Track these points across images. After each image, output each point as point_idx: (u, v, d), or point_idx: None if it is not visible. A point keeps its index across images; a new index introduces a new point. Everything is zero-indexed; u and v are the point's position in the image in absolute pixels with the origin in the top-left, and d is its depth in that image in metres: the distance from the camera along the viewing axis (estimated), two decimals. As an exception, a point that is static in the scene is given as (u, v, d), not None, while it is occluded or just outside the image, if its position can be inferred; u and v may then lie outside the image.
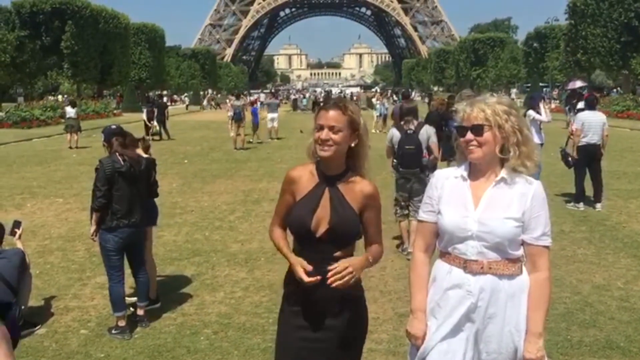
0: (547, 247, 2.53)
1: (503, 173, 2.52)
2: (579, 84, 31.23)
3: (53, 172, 15.09)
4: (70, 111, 21.50)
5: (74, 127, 21.09)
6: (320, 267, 2.58)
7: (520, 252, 2.53)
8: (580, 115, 10.47)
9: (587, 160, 10.03)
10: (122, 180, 4.98)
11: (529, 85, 59.46)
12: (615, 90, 47.70)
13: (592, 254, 7.32)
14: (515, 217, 2.47)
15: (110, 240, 4.93)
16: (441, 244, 2.61)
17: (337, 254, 2.62)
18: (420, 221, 2.69)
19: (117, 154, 5.06)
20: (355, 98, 53.81)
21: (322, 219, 2.59)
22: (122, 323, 5.05)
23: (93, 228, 5.03)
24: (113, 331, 5.05)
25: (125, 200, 4.98)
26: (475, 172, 2.57)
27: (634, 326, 5.10)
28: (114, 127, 5.39)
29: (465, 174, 2.58)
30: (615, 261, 7.03)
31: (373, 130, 25.88)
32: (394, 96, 44.50)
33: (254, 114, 22.38)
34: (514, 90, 67.93)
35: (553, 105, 39.64)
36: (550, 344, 4.73)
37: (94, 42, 50.30)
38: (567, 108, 29.85)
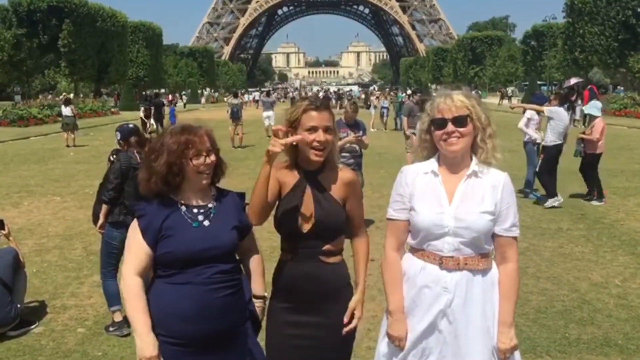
0: (515, 237, 2.54)
1: (473, 166, 2.51)
2: (573, 81, 31.43)
3: (50, 171, 15.07)
4: (65, 110, 21.48)
5: (70, 125, 21.06)
6: (310, 263, 2.59)
7: (491, 246, 2.54)
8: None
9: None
10: (135, 177, 4.98)
11: (527, 83, 59.53)
12: (618, 87, 47.80)
13: (590, 252, 7.33)
14: (490, 211, 2.47)
15: (116, 238, 4.92)
16: (414, 240, 2.58)
17: (326, 247, 2.62)
18: (390, 219, 2.63)
19: (134, 151, 5.07)
20: (360, 95, 53.86)
21: (307, 215, 2.58)
22: (118, 318, 5.05)
23: (101, 221, 5.03)
24: (110, 329, 5.05)
25: (134, 196, 4.97)
26: (445, 166, 2.55)
27: (632, 324, 5.10)
28: (131, 126, 5.40)
29: (435, 168, 2.55)
30: (613, 259, 7.04)
31: (372, 129, 25.92)
32: (392, 93, 44.55)
33: (171, 114, 22.66)
34: (510, 89, 68.01)
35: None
36: (548, 342, 4.74)
37: (91, 40, 50.29)
38: (565, 106, 29.90)
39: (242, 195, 2.73)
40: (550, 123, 9.92)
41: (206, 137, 2.56)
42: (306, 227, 2.58)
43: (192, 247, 2.46)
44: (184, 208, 2.55)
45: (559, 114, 9.94)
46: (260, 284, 2.79)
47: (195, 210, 2.55)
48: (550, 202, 9.79)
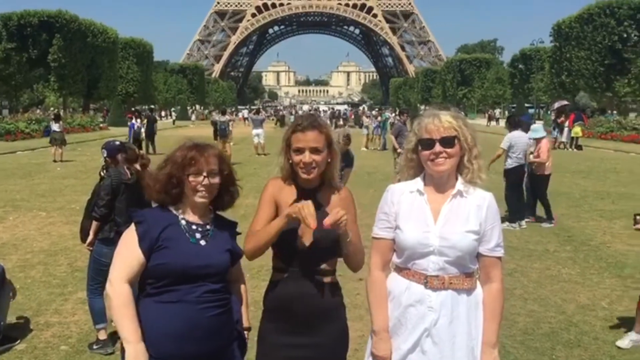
0: (500, 258, 2.54)
1: (459, 186, 2.52)
2: (557, 104, 32.04)
3: (37, 185, 14.94)
4: (54, 125, 21.39)
5: (58, 140, 20.96)
6: (305, 282, 2.57)
7: (476, 266, 2.53)
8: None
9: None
10: (126, 193, 4.95)
11: (514, 105, 60.09)
12: (608, 112, 48.57)
13: (577, 274, 7.35)
14: (474, 230, 2.47)
15: (106, 255, 4.82)
16: (399, 259, 2.57)
17: (323, 266, 2.61)
18: (376, 238, 2.61)
19: (124, 167, 5.04)
20: (349, 115, 54.00)
21: (304, 233, 2.56)
22: (103, 336, 4.98)
23: (91, 237, 4.96)
24: (94, 346, 4.97)
25: (126, 212, 4.92)
26: (431, 186, 2.56)
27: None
28: (117, 143, 5.36)
29: (421, 187, 2.55)
30: (599, 281, 7.06)
31: (363, 148, 26.03)
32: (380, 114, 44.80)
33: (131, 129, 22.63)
34: (497, 110, 68.60)
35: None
36: (536, 364, 4.73)
37: (81, 55, 50.18)
38: (552, 127, 30.32)
39: (235, 224, 2.73)
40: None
41: (215, 158, 2.55)
42: (304, 246, 2.57)
43: (188, 262, 2.44)
44: (184, 222, 2.54)
45: (511, 139, 10.14)
46: (245, 316, 2.76)
47: (194, 227, 2.55)
48: (505, 226, 9.57)
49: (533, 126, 10.98)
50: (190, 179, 2.50)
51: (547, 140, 10.68)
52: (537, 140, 10.32)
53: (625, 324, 5.41)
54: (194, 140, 2.62)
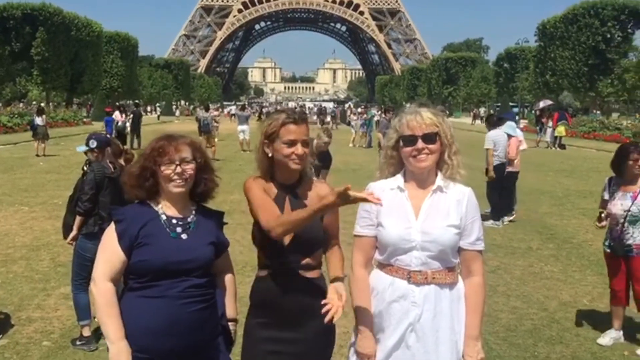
0: (480, 251, 2.58)
1: (438, 181, 2.55)
2: (542, 104, 32.33)
3: (19, 180, 14.78)
4: (37, 119, 21.16)
5: (41, 134, 20.73)
6: (290, 277, 2.58)
7: (457, 260, 2.56)
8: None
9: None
10: (110, 187, 4.91)
11: (499, 104, 60.54)
12: (593, 112, 49.22)
13: (559, 271, 7.43)
14: (455, 224, 2.50)
15: (90, 250, 4.76)
16: (381, 256, 2.58)
17: (305, 261, 2.61)
18: (358, 236, 2.62)
19: (108, 161, 5.00)
20: (337, 113, 54.10)
21: None
22: (86, 333, 4.94)
23: (74, 232, 4.91)
24: (77, 342, 4.93)
25: (109, 207, 4.89)
26: (411, 182, 2.58)
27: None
28: (108, 136, 5.34)
29: (401, 184, 2.57)
30: (581, 278, 7.14)
31: (350, 145, 26.14)
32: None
33: (107, 123, 22.39)
34: (482, 109, 69.06)
35: (522, 125, 40.46)
36: (518, 360, 4.78)
37: (65, 49, 49.71)
38: (537, 127, 30.60)
39: (221, 214, 2.72)
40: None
41: (186, 146, 2.53)
42: (286, 241, 2.57)
43: (168, 257, 2.44)
44: (164, 217, 2.53)
45: (493, 138, 10.20)
46: (232, 306, 2.75)
47: (174, 221, 2.54)
48: (490, 224, 9.72)
49: (508, 122, 11.08)
50: (162, 168, 2.48)
51: (516, 139, 10.74)
52: (509, 137, 10.43)
53: (606, 321, 5.47)
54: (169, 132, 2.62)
